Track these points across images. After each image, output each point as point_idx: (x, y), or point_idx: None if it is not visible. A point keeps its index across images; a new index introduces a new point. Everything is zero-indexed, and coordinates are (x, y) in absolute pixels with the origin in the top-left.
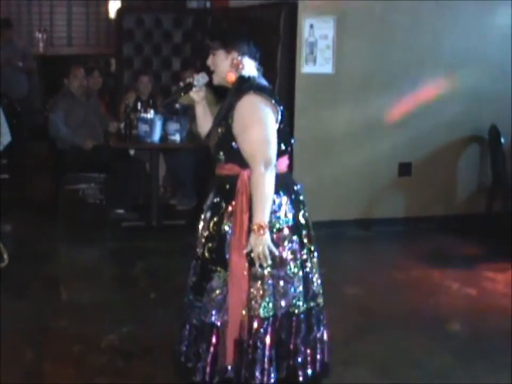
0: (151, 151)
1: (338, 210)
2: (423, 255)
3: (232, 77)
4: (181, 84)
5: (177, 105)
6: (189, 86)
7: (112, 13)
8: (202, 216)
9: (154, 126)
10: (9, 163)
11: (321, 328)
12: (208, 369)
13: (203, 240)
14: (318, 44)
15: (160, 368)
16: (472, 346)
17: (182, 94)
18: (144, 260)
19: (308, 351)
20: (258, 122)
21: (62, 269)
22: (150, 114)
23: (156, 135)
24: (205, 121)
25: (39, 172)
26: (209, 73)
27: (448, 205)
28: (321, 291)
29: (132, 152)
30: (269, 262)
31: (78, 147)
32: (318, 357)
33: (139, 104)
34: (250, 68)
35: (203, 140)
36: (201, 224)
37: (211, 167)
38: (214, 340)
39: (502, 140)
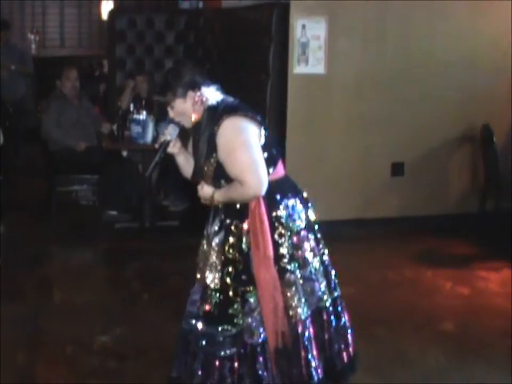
0: (143, 152)
1: (332, 210)
2: (416, 255)
3: (197, 115)
4: (156, 145)
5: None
6: (166, 144)
7: (104, 14)
8: (205, 241)
9: (147, 127)
10: (2, 165)
11: (346, 314)
12: None
13: (213, 267)
14: (310, 45)
15: (154, 370)
16: (465, 346)
17: (163, 155)
18: (137, 261)
19: (342, 339)
20: (242, 145)
21: (54, 270)
22: (143, 115)
23: (149, 136)
24: (188, 168)
25: (32, 174)
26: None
27: (441, 205)
28: (336, 280)
29: (124, 153)
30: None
31: (71, 148)
32: (350, 341)
33: (132, 106)
34: (212, 94)
35: (191, 180)
36: (204, 249)
37: None
38: (263, 357)
39: (494, 139)
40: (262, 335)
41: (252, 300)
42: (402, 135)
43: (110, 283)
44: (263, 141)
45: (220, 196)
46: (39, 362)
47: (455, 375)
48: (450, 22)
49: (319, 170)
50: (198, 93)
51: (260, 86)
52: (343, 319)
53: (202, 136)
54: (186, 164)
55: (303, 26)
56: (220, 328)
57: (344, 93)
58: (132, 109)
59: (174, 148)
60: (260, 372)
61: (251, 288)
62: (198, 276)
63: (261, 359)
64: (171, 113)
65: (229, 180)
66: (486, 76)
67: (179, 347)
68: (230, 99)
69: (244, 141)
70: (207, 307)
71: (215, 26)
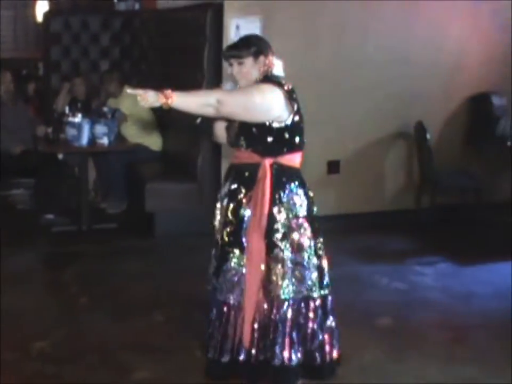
0: (79, 155)
1: None
2: (353, 252)
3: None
4: None
5: (105, 109)
6: None
7: (39, 16)
8: (219, 205)
9: (82, 130)
10: None
11: (334, 317)
12: (218, 347)
13: (220, 226)
14: None
15: (93, 372)
16: (402, 340)
17: None
18: (75, 264)
19: (326, 336)
20: (256, 90)
21: None
22: (78, 118)
23: (84, 139)
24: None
25: None
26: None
27: (377, 202)
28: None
29: (60, 156)
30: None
31: (6, 152)
32: (335, 342)
33: (67, 108)
34: (278, 66)
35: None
36: (218, 212)
37: (140, 170)
38: (224, 318)
39: (428, 136)
40: (226, 295)
41: (231, 262)
42: (338, 133)
43: (48, 287)
44: (289, 121)
45: (179, 95)
46: None
47: (392, 369)
48: (384, 21)
49: None
50: (269, 58)
51: (195, 85)
52: (330, 320)
53: None
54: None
55: (237, 27)
56: (218, 280)
57: None
58: (67, 111)
59: None
60: (214, 329)
61: (235, 250)
62: (215, 237)
63: (217, 317)
64: (235, 69)
65: (248, 139)
66: (419, 73)
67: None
68: (286, 81)
69: (259, 90)
70: (215, 263)
71: (151, 27)
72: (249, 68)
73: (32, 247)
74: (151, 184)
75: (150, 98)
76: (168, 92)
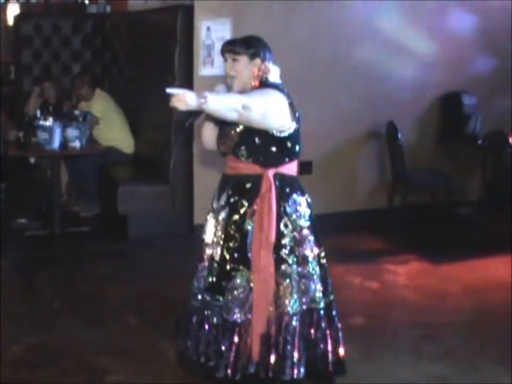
0: (51, 158)
1: None
2: (327, 252)
3: (256, 83)
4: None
5: (76, 112)
6: None
7: (10, 20)
8: (210, 218)
9: (54, 133)
10: None
11: (338, 320)
12: (230, 366)
13: (218, 240)
14: (215, 46)
15: (67, 376)
16: (375, 339)
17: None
18: (48, 268)
19: (329, 341)
20: (270, 92)
21: None
22: (49, 121)
23: (55, 143)
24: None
25: None
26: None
27: (350, 201)
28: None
29: (32, 160)
30: (189, 101)
31: None
32: (340, 343)
33: (38, 112)
34: (274, 73)
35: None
36: (211, 224)
37: (112, 173)
38: (236, 337)
39: (399, 136)
40: (235, 315)
41: (238, 279)
42: (310, 134)
43: (22, 292)
44: (292, 130)
45: (214, 97)
46: None
47: (364, 368)
48: (354, 22)
49: None
50: (266, 64)
51: (166, 88)
52: (335, 323)
53: None
54: (215, 126)
55: (208, 28)
56: (215, 297)
57: None
58: (38, 115)
59: None
60: (222, 348)
61: (241, 267)
62: (205, 251)
63: (226, 336)
64: (229, 65)
65: (250, 149)
66: (389, 74)
67: (190, 324)
68: (284, 87)
69: (269, 93)
70: (210, 279)
71: (122, 29)
72: (242, 67)
73: (5, 252)
74: (124, 187)
75: (189, 101)
76: (205, 94)
